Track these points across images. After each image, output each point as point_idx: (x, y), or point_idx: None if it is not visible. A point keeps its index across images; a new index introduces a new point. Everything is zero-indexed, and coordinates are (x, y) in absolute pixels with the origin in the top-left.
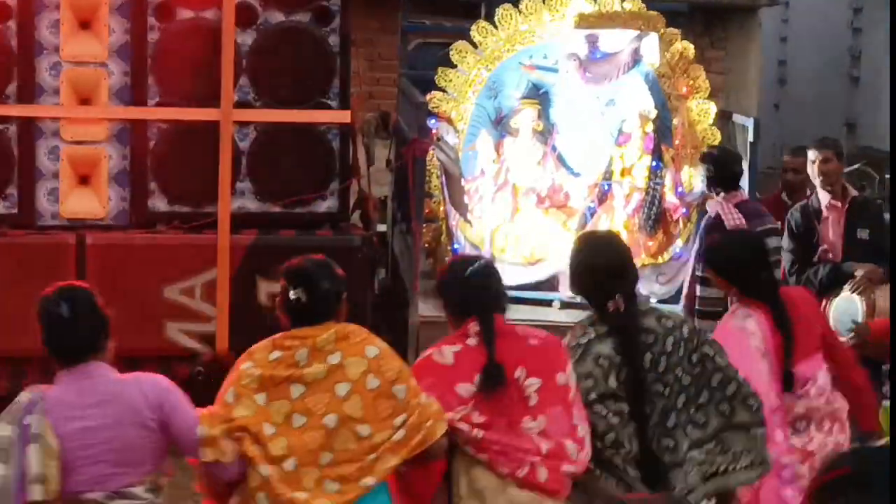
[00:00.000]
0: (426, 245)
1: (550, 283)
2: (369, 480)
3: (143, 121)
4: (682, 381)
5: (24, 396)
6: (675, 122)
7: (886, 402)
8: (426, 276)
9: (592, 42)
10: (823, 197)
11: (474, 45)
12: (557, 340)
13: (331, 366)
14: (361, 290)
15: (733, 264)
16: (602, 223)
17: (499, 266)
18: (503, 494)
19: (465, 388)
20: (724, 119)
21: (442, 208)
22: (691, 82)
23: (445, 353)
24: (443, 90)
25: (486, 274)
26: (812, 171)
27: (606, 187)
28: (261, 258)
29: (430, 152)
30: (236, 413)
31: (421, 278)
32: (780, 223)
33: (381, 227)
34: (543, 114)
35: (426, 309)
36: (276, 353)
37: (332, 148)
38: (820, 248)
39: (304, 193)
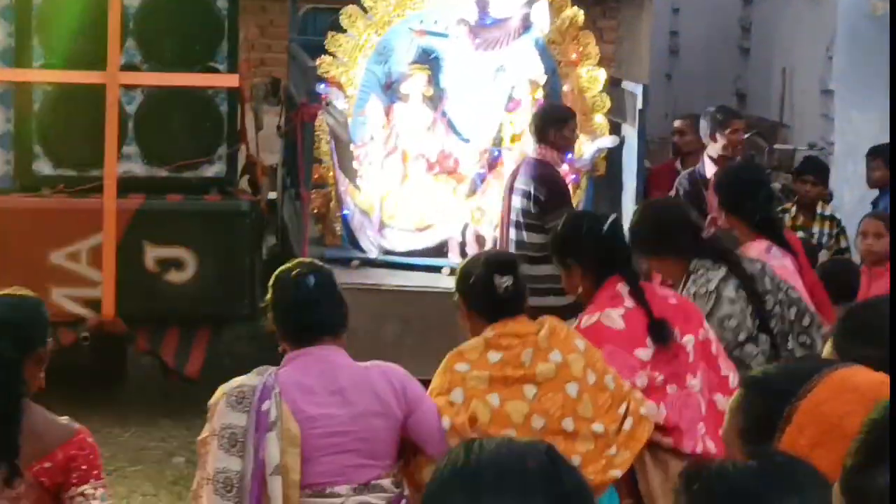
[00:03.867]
0: (315, 211)
1: (439, 250)
2: (615, 472)
3: (28, 83)
4: (781, 315)
5: (250, 380)
6: (564, 88)
7: None
8: (315, 242)
9: (482, 7)
10: (710, 166)
11: (364, 10)
12: (686, 298)
13: (557, 364)
14: (249, 256)
15: None
16: (492, 189)
17: (388, 233)
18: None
19: (643, 352)
20: (613, 86)
21: (331, 174)
22: (581, 49)
23: (613, 317)
24: (332, 55)
25: (622, 230)
26: (716, 138)
27: (496, 153)
28: (148, 223)
29: (320, 117)
30: (473, 413)
31: (310, 244)
32: (671, 190)
33: (272, 195)
34: (433, 79)
35: None
36: (497, 354)
37: (219, 112)
38: (709, 216)
39: (192, 158)
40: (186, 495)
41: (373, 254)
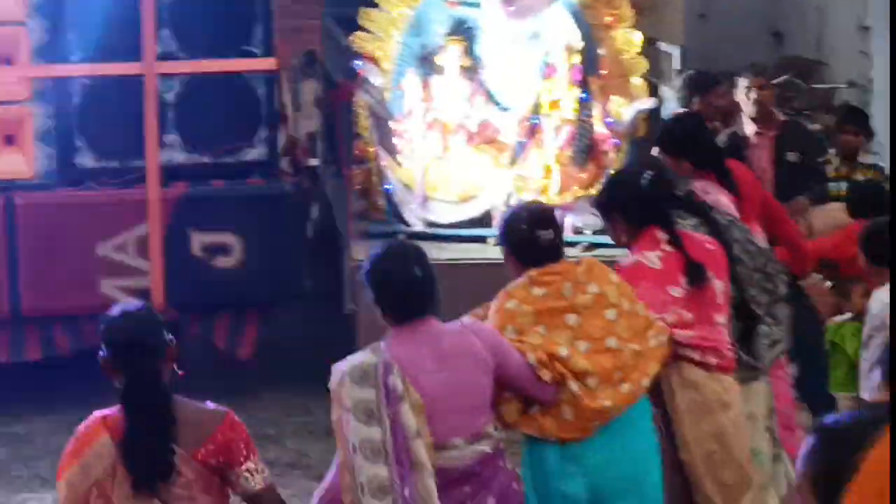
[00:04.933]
0: (358, 187)
1: (484, 220)
2: (645, 381)
3: (67, 78)
4: (746, 263)
5: (368, 357)
6: (600, 52)
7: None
8: (359, 217)
9: None
10: (750, 127)
11: None
12: (721, 246)
13: (594, 294)
14: (295, 238)
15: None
16: (532, 157)
17: (431, 205)
18: (715, 381)
19: (675, 290)
20: (649, 46)
21: (372, 149)
22: (615, 11)
23: (651, 258)
24: (367, 30)
25: (659, 183)
26: (744, 98)
27: (535, 121)
28: (192, 210)
29: (357, 94)
30: (533, 342)
31: (354, 219)
32: None
33: (313, 162)
34: (469, 50)
35: (362, 252)
36: (540, 289)
37: (258, 96)
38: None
39: (233, 143)
40: None
41: (417, 227)
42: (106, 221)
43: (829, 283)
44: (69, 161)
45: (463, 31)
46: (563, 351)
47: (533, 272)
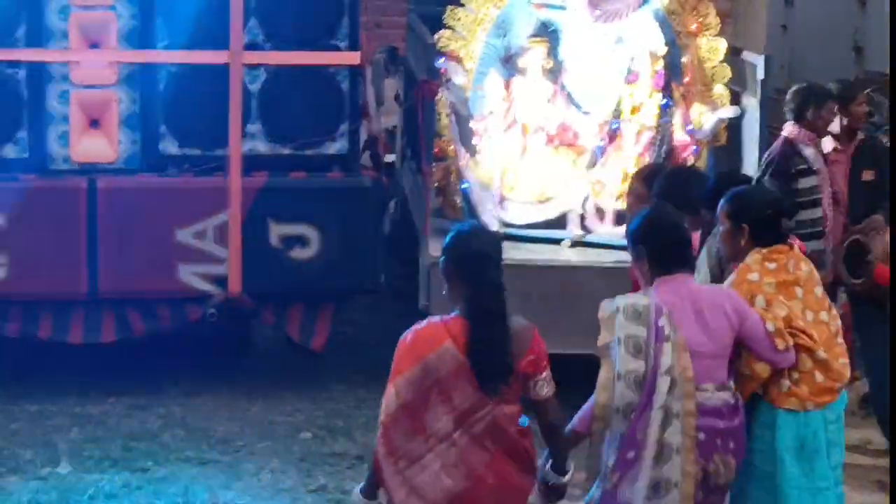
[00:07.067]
0: (436, 184)
1: (560, 222)
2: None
3: (153, 64)
4: None
5: (640, 299)
6: (684, 59)
7: None
8: (436, 214)
9: None
10: (828, 143)
11: None
12: None
13: (808, 272)
14: (372, 232)
15: None
16: (611, 161)
17: (508, 205)
18: None
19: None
20: (733, 55)
21: (451, 147)
22: (701, 19)
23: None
24: (452, 29)
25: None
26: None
27: (616, 126)
28: (272, 200)
29: (440, 92)
30: (778, 314)
31: (431, 217)
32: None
33: (390, 158)
34: (552, 52)
35: (437, 249)
36: (772, 264)
37: (341, 89)
38: (828, 190)
39: (315, 135)
40: (315, 471)
41: (493, 226)
42: (186, 208)
43: None
44: (152, 147)
45: (547, 33)
46: (802, 322)
47: (763, 250)
